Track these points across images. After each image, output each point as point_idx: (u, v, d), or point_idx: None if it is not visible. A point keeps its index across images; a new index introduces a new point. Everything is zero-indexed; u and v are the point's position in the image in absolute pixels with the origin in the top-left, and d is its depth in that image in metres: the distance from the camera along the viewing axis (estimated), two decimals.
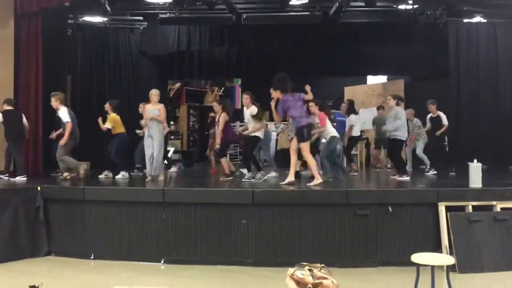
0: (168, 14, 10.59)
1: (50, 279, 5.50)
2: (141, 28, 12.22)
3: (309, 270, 3.70)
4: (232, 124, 10.22)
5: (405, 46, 12.18)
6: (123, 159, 9.00)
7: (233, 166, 9.49)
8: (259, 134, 8.17)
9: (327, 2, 10.02)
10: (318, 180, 7.03)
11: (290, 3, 9.74)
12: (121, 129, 8.80)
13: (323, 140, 8.43)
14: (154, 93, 8.03)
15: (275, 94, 7.18)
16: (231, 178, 8.37)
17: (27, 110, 9.04)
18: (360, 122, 10.76)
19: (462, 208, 6.18)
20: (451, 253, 5.80)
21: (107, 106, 8.98)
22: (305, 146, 7.08)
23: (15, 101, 8.59)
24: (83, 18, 11.29)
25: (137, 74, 12.50)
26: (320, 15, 10.04)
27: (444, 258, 4.29)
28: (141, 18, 11.60)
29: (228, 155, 9.46)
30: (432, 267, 4.08)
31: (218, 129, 8.47)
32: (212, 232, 6.24)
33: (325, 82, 14.98)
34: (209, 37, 12.05)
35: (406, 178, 8.12)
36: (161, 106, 8.00)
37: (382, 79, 14.64)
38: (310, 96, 7.23)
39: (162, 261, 6.25)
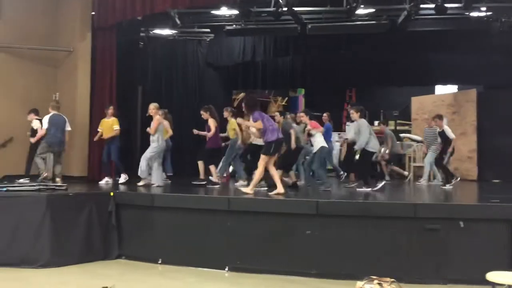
0: (234, 25, 10.82)
1: (122, 282, 5.74)
2: (208, 40, 12.57)
3: (379, 284, 3.64)
4: None
5: (476, 54, 11.70)
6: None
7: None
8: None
9: (394, 10, 9.82)
10: (280, 190, 7.08)
11: (356, 12, 9.63)
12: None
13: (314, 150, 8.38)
14: (151, 107, 8.38)
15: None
16: (219, 185, 8.51)
17: (101, 120, 9.50)
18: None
19: None
20: None
21: (110, 111, 8.91)
22: (265, 159, 7.15)
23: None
24: (153, 31, 11.78)
25: (202, 84, 12.85)
26: (388, 24, 9.83)
27: None
28: (208, 30, 11.94)
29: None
30: (510, 286, 3.88)
31: (209, 135, 8.61)
32: (275, 241, 6.25)
33: (391, 92, 14.67)
34: (273, 48, 12.20)
35: (367, 189, 7.95)
36: (155, 119, 8.25)
37: (452, 88, 14.08)
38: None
39: (226, 269, 6.33)
